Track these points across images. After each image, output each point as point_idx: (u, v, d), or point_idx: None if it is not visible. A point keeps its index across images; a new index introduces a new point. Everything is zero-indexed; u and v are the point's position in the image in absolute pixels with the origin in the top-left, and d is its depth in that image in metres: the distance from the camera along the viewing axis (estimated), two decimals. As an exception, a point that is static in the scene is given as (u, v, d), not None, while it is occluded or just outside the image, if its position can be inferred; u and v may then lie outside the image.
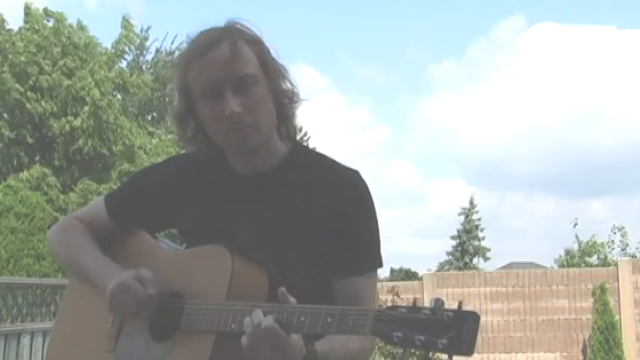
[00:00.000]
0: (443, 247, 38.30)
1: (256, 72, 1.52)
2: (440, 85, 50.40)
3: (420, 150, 50.25)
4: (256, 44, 1.54)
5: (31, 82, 15.03)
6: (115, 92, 16.11)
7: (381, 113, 51.86)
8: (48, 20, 15.97)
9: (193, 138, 1.62)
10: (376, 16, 49.90)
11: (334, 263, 1.55)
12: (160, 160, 1.71)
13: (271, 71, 1.55)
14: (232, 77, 1.50)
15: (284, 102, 1.58)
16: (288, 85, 1.59)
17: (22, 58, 14.90)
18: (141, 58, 20.08)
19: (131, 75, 17.11)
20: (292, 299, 1.36)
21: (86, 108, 14.80)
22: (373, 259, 1.61)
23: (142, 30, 19.31)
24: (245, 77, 1.50)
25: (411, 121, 51.34)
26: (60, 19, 15.86)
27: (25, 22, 15.97)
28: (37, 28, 15.59)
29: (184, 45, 1.64)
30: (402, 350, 1.19)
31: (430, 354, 1.16)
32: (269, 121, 1.56)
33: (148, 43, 19.86)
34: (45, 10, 16.15)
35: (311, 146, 2.28)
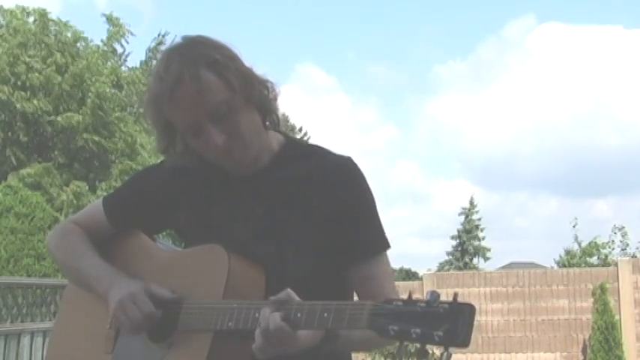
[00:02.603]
0: (444, 247, 38.32)
1: (226, 95, 1.49)
2: (445, 84, 50.38)
3: (425, 149, 50.27)
4: (215, 64, 1.49)
5: (19, 82, 14.90)
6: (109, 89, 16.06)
7: (386, 113, 51.88)
8: (28, 19, 15.81)
9: (183, 157, 1.61)
10: (384, 15, 49.92)
11: (342, 252, 1.54)
12: (160, 158, 1.70)
13: (239, 82, 1.51)
14: (205, 111, 1.48)
15: (263, 95, 1.56)
16: (260, 79, 1.56)
17: (5, 58, 14.78)
18: (154, 62, 20.22)
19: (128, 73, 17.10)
20: (297, 299, 1.35)
21: (88, 101, 14.71)
22: (380, 242, 1.60)
23: (159, 35, 19.57)
24: (217, 106, 1.49)
25: (416, 120, 51.39)
26: (42, 14, 15.71)
27: None
28: (24, 27, 15.43)
29: (149, 76, 1.61)
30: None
31: (427, 347, 1.16)
32: (256, 133, 1.55)
33: (163, 48, 19.97)
34: (21, 8, 15.94)
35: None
